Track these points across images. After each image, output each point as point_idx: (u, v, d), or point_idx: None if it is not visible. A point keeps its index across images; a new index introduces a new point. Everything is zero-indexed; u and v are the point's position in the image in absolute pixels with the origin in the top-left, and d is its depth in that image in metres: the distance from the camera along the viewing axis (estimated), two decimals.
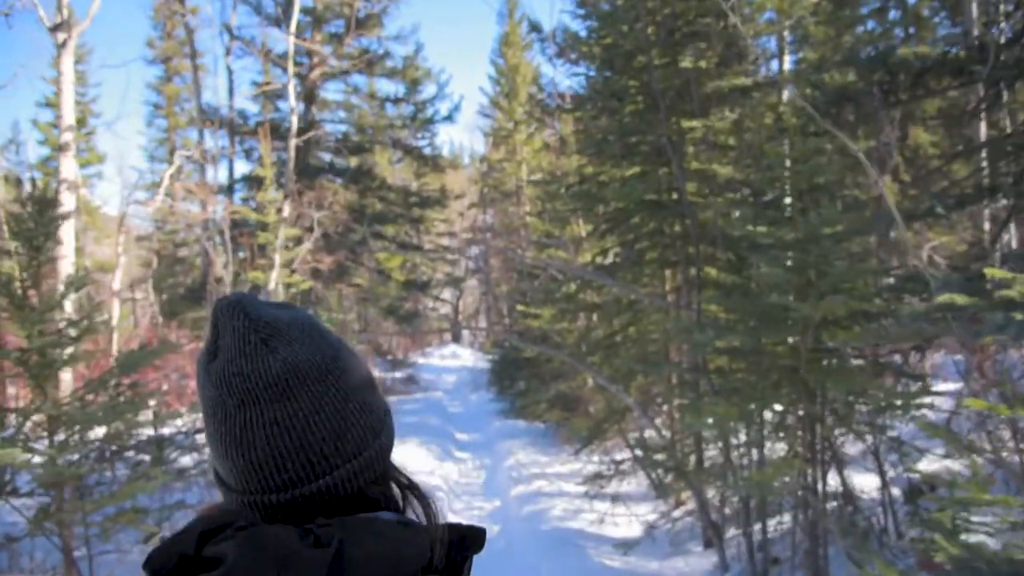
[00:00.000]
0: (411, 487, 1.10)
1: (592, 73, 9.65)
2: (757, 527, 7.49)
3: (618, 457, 11.48)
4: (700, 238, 7.42)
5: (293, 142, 15.33)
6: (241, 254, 17.38)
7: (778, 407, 6.12)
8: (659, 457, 8.22)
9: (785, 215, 6.00)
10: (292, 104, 15.69)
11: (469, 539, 1.04)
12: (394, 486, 1.09)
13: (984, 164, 7.49)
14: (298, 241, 14.00)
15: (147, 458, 8.85)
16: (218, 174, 25.32)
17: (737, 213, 7.22)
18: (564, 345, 12.72)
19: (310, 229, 16.40)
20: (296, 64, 24.07)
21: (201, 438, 12.68)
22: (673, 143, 7.57)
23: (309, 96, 23.66)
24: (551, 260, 10.75)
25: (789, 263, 5.62)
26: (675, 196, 8.23)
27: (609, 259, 10.55)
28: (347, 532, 0.92)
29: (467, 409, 21.63)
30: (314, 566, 0.88)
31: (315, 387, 0.99)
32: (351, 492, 1.01)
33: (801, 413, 5.96)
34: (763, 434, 6.19)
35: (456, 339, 35.37)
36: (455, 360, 31.12)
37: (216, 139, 22.32)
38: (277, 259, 12.07)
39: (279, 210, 12.93)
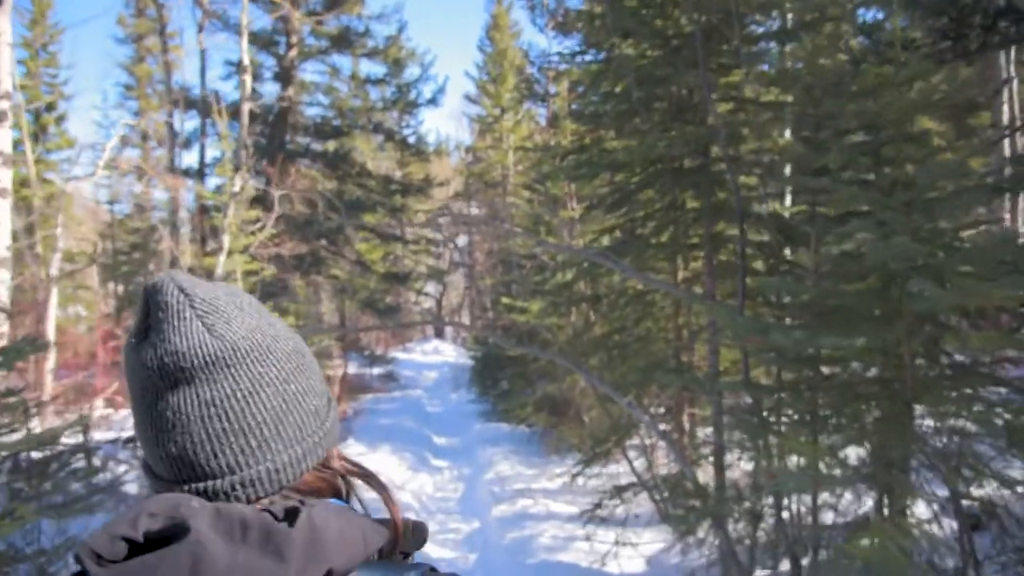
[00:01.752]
0: (363, 475, 1.01)
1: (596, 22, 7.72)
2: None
3: (619, 474, 9.63)
4: (743, 213, 5.45)
5: (246, 106, 13.27)
6: (207, 241, 15.47)
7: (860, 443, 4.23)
8: (692, 503, 6.30)
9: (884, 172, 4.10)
10: (245, 61, 13.57)
11: (416, 534, 1.00)
12: (339, 477, 1.00)
13: None
14: (260, 224, 12.06)
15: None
16: (187, 158, 23.21)
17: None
18: (555, 343, 10.81)
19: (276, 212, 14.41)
20: (272, 43, 22.22)
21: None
22: (710, 85, 5.63)
23: (285, 76, 21.77)
24: (545, 240, 8.81)
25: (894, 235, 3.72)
26: (703, 160, 6.35)
27: (607, 242, 8.68)
28: (314, 511, 0.83)
29: (447, 409, 19.72)
30: (289, 538, 0.78)
31: (255, 367, 0.90)
32: (292, 480, 0.91)
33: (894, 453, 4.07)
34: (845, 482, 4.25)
35: (439, 334, 33.66)
36: (437, 356, 29.31)
37: (182, 120, 20.17)
38: (226, 241, 10.10)
39: (233, 187, 10.94)
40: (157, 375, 0.87)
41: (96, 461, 10.06)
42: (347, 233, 21.77)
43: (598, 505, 8.22)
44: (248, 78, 13.15)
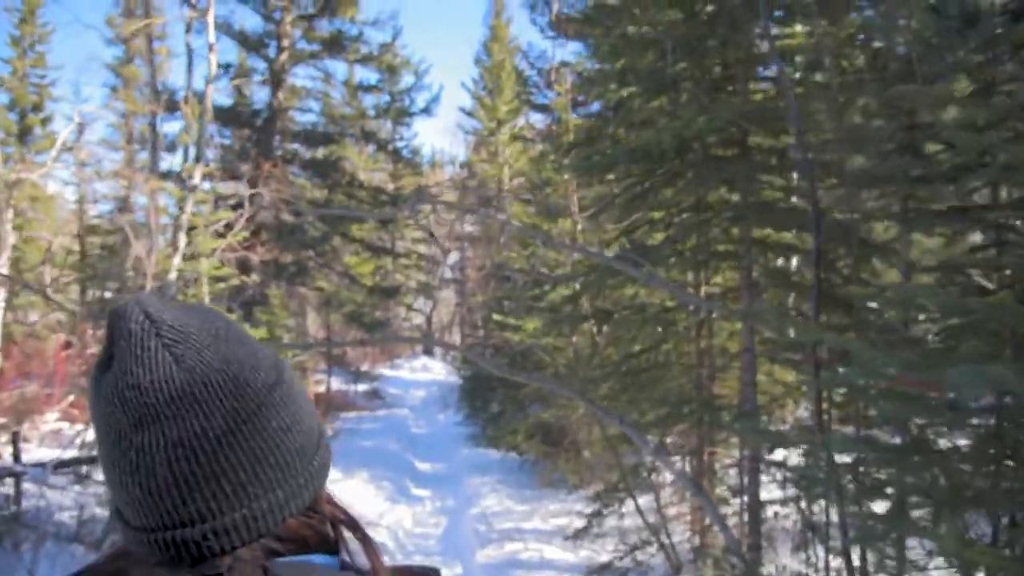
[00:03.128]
0: (349, 524, 0.85)
1: None
2: None
3: (622, 518, 8.21)
4: (820, 212, 4.00)
5: (210, 88, 11.82)
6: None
7: None
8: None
9: None
10: (211, 38, 12.13)
11: None
12: (328, 522, 0.85)
13: None
14: (224, 223, 10.66)
15: None
16: (171, 162, 21.87)
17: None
18: (553, 366, 9.41)
19: (251, 219, 13.06)
20: (262, 45, 21.00)
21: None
22: (772, 38, 4.24)
23: (276, 80, 20.54)
24: (549, 238, 7.36)
25: None
26: (738, 149, 5.00)
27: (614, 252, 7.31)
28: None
29: (433, 431, 18.24)
30: None
31: (229, 402, 0.77)
32: (273, 528, 0.79)
33: None
34: None
35: (428, 351, 32.26)
36: (426, 373, 27.89)
37: (159, 121, 18.88)
38: (182, 241, 8.67)
39: (192, 180, 9.53)
40: (120, 410, 0.76)
41: (26, 485, 8.65)
42: (335, 244, 20.52)
43: (607, 566, 6.76)
44: (214, 58, 11.76)
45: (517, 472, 12.27)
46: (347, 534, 0.85)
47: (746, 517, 5.70)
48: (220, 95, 20.31)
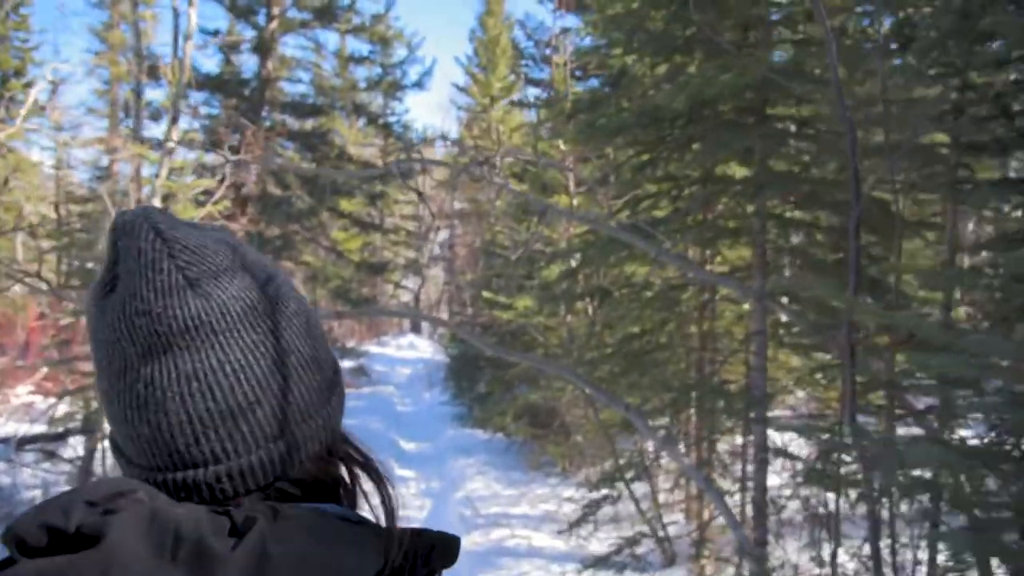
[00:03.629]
0: (367, 467, 0.79)
1: None
2: None
3: (613, 503, 7.82)
4: (859, 179, 3.51)
5: (190, 45, 11.21)
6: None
7: None
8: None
9: None
10: None
11: (438, 551, 0.74)
12: (342, 465, 0.78)
13: None
14: (202, 190, 10.11)
15: None
16: (155, 131, 21.20)
17: None
18: (545, 347, 8.98)
19: (237, 187, 12.53)
20: (251, 12, 20.39)
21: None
22: None
23: (265, 49, 19.96)
24: (545, 203, 6.82)
25: None
26: (755, 116, 4.54)
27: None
28: (275, 526, 0.64)
29: (419, 409, 17.85)
30: (225, 565, 0.60)
31: (247, 334, 0.70)
32: (289, 471, 0.72)
33: None
34: None
35: (415, 329, 31.89)
36: (412, 351, 27.53)
37: (144, 89, 18.23)
38: (157, 205, 8.15)
39: (166, 142, 8.98)
40: (127, 338, 0.69)
41: None
42: (322, 219, 20.03)
43: (603, 559, 6.35)
44: (194, 13, 11.14)
45: (504, 454, 11.89)
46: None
47: (750, 510, 5.31)
48: (208, 63, 19.73)
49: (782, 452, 5.03)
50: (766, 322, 5.09)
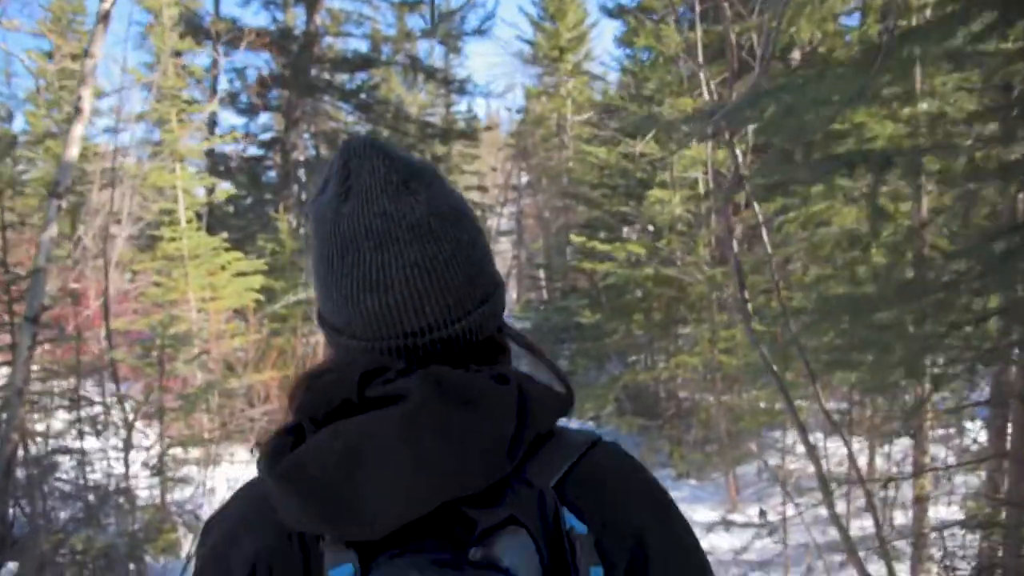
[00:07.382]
0: (527, 344, 0.95)
1: None
2: None
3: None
4: None
5: None
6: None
7: None
8: None
9: None
10: None
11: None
12: (512, 340, 0.95)
13: None
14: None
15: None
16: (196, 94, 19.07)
17: None
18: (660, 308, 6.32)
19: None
20: None
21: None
22: None
23: (312, 2, 17.80)
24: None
25: None
26: None
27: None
28: (517, 374, 0.85)
29: None
30: (501, 401, 0.80)
31: (453, 230, 0.88)
32: (480, 339, 0.88)
33: None
34: None
35: None
36: None
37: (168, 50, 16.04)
38: (86, 97, 5.55)
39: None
40: (363, 235, 0.85)
41: None
42: None
43: None
44: None
45: None
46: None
47: None
48: (254, 19, 17.59)
49: None
50: None
